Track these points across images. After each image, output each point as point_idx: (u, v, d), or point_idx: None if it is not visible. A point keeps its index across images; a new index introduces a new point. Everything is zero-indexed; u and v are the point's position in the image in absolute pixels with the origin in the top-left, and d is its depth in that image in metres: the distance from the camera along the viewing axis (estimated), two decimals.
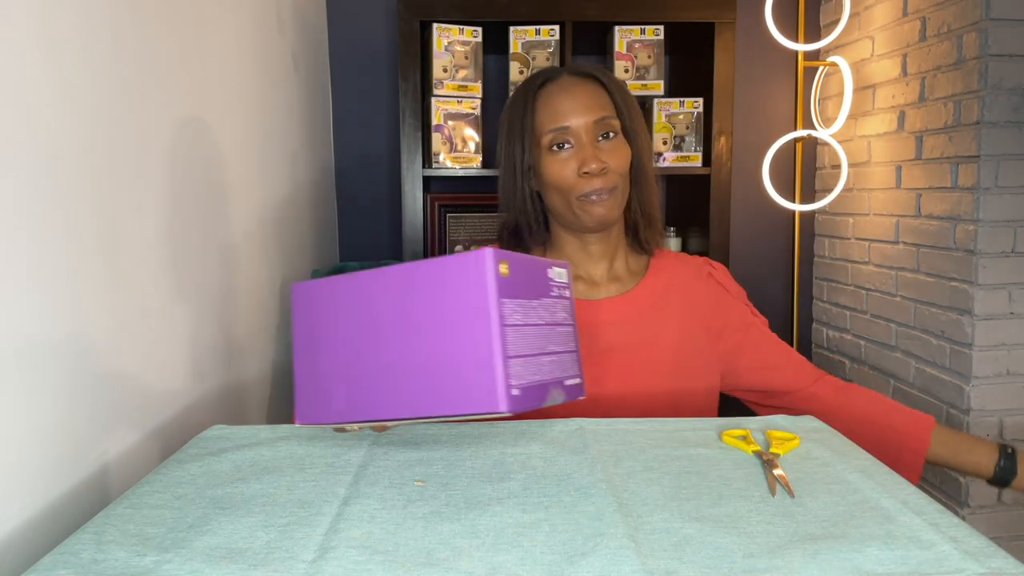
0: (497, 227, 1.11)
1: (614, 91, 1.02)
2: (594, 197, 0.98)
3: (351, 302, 0.65)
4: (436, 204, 2.11)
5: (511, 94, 1.06)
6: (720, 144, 1.93)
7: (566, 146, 0.99)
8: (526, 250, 1.09)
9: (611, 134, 1.00)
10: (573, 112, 0.98)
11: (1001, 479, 0.95)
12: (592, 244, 1.05)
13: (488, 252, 0.58)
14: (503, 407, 0.56)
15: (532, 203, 1.05)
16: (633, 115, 1.03)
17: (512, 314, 0.59)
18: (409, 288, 0.62)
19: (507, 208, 1.07)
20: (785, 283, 2.37)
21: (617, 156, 0.99)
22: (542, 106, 1.00)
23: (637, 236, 1.08)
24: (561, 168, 0.99)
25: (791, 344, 2.33)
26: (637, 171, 1.04)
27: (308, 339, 0.68)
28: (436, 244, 2.11)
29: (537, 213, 1.06)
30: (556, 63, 1.89)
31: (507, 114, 1.04)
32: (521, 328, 0.60)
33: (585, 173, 0.97)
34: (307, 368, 0.68)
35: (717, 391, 1.07)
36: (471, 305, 0.58)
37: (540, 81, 1.02)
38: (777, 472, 0.68)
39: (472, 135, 1.89)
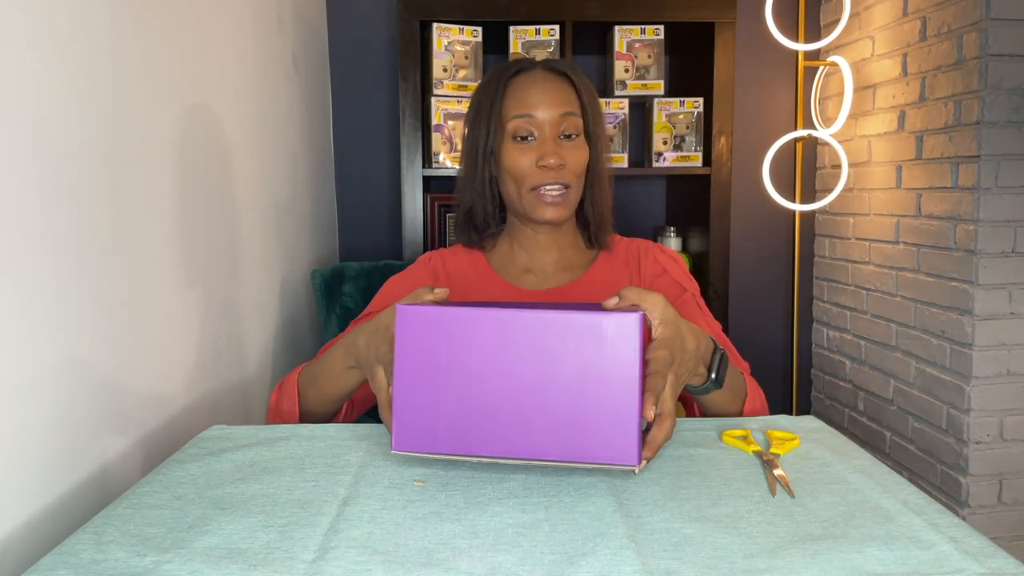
0: (456, 212, 1.12)
1: (582, 91, 1.04)
2: (546, 193, 1.01)
3: (478, 337, 0.63)
4: (436, 204, 2.11)
5: (482, 79, 1.08)
6: (720, 144, 1.93)
7: (529, 139, 1.02)
8: (480, 236, 1.11)
9: (573, 135, 1.03)
10: (541, 104, 1.01)
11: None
12: (543, 235, 1.08)
13: (638, 318, 0.61)
14: (636, 462, 0.61)
15: (489, 188, 1.07)
16: (596, 118, 1.06)
17: (642, 375, 0.63)
18: (552, 336, 0.62)
19: (464, 190, 1.09)
20: (785, 283, 2.37)
21: (576, 155, 1.02)
22: (512, 94, 1.03)
23: (588, 233, 1.11)
24: (519, 157, 1.01)
25: (791, 345, 2.32)
26: (593, 173, 1.07)
27: (415, 366, 0.65)
28: (436, 244, 2.11)
29: (493, 198, 1.08)
30: None
31: (476, 97, 1.07)
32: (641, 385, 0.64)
33: (542, 166, 1.00)
34: (411, 395, 0.65)
35: None
36: (618, 366, 0.61)
37: (514, 70, 1.05)
38: (777, 472, 0.68)
39: None
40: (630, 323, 0.61)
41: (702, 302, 1.09)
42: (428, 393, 0.64)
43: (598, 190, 1.08)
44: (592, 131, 1.05)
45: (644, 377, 0.63)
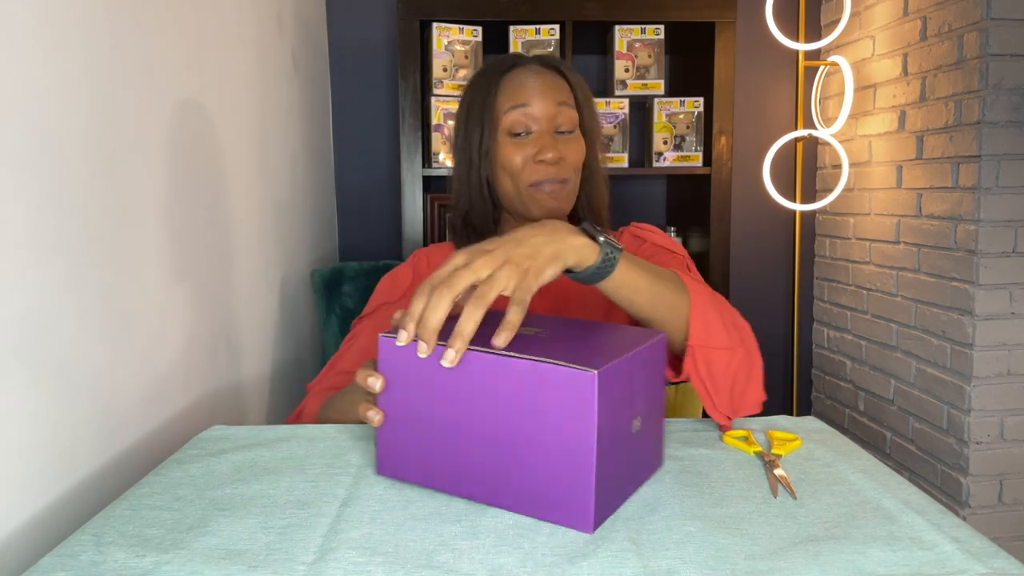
0: (448, 218, 1.09)
1: (576, 87, 1.03)
2: (547, 188, 0.99)
3: (449, 374, 0.61)
4: (436, 204, 2.10)
5: (471, 79, 1.05)
6: (721, 144, 1.93)
7: (525, 134, 0.99)
8: (479, 238, 1.06)
9: (568, 130, 1.00)
10: (536, 95, 0.98)
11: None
12: None
13: (594, 379, 0.55)
14: (591, 529, 0.57)
15: (483, 190, 1.03)
16: (591, 114, 1.04)
17: (611, 435, 0.58)
18: (513, 384, 0.58)
19: (459, 194, 1.05)
20: (786, 283, 2.37)
21: (573, 149, 1.01)
22: (505, 88, 1.00)
23: None
24: (515, 153, 0.99)
25: (791, 346, 2.32)
26: (589, 171, 1.05)
27: (395, 394, 0.64)
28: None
29: (487, 201, 1.04)
30: None
31: (467, 96, 1.03)
32: (617, 446, 0.59)
33: (540, 160, 0.98)
34: (391, 421, 0.65)
35: None
36: (575, 427, 0.56)
37: (507, 65, 1.02)
38: (779, 473, 0.68)
39: None
40: (585, 384, 0.54)
41: (692, 264, 1.02)
42: (405, 423, 0.64)
43: (594, 188, 1.06)
44: (587, 126, 1.03)
45: (606, 439, 0.57)
